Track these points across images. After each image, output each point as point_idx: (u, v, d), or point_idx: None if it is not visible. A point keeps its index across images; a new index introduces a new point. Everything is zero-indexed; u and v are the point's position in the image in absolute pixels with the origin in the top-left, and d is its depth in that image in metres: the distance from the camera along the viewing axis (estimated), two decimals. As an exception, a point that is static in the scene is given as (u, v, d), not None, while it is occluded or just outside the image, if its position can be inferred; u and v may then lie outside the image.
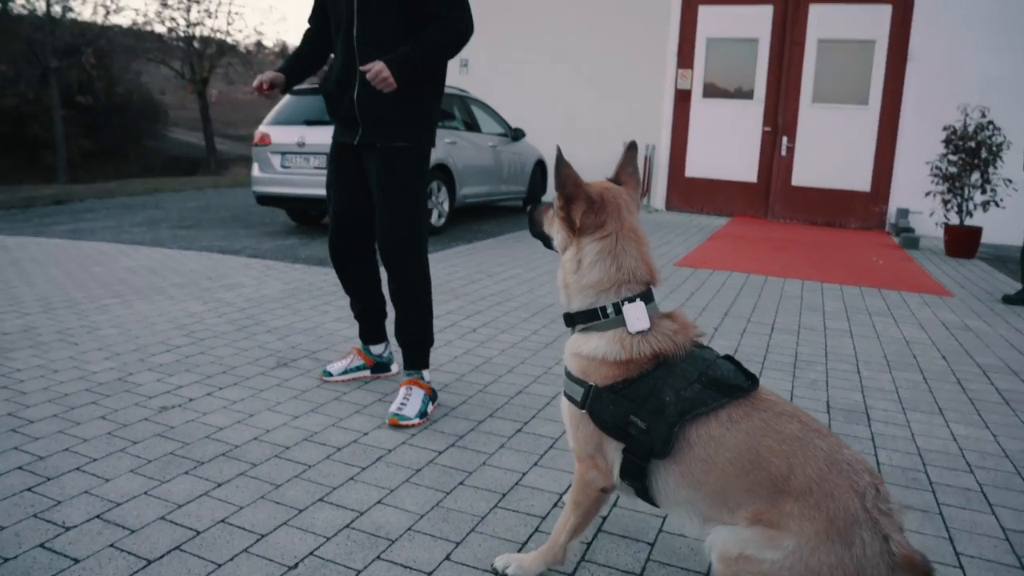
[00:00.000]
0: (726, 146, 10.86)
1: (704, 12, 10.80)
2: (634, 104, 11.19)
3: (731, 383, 1.54)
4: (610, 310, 1.63)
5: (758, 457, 1.45)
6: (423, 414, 2.76)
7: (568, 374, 1.71)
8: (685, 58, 10.97)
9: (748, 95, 10.74)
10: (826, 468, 1.41)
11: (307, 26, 3.07)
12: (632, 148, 1.83)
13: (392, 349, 3.37)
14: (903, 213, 9.72)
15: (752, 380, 1.56)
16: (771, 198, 10.69)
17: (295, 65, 3.04)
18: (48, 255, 6.06)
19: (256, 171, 7.64)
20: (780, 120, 10.49)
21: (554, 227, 1.76)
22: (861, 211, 10.28)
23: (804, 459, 1.42)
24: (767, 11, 10.44)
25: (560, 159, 1.64)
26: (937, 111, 9.14)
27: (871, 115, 10.05)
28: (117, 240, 6.98)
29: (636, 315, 1.61)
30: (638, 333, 1.60)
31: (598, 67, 11.35)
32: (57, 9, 19.41)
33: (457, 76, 11.61)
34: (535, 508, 2.14)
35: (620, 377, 1.60)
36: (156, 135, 29.28)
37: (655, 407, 1.54)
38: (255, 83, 2.95)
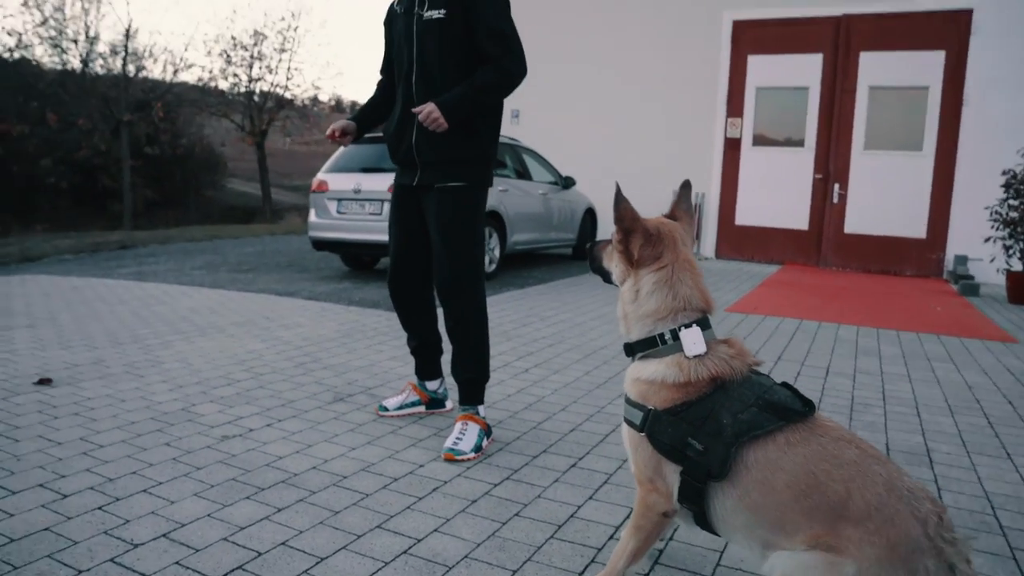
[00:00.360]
0: (777, 194, 10.80)
1: (753, 62, 10.87)
2: (684, 152, 11.24)
3: (788, 407, 1.55)
4: (668, 336, 1.68)
5: (816, 481, 1.45)
6: (478, 448, 2.78)
7: (628, 399, 1.74)
8: (735, 107, 11.02)
9: (799, 143, 10.70)
10: (885, 494, 1.39)
11: (379, 77, 3.19)
12: (686, 186, 1.92)
13: (447, 386, 3.41)
14: (961, 260, 9.50)
15: (809, 405, 1.57)
16: (823, 246, 10.56)
17: (367, 114, 3.16)
18: (115, 294, 6.30)
19: (313, 216, 7.86)
20: (831, 167, 10.42)
21: (613, 261, 1.83)
22: (917, 258, 10.07)
23: (863, 484, 1.41)
24: (817, 60, 10.47)
25: (619, 195, 1.72)
26: (995, 156, 8.98)
27: (926, 161, 9.92)
28: (178, 282, 7.23)
29: (693, 339, 1.65)
30: (695, 357, 1.63)
31: (647, 116, 11.46)
32: (131, 68, 20.54)
33: (508, 125, 11.85)
34: (591, 540, 2.13)
35: (679, 400, 1.62)
36: (215, 185, 30.39)
37: (713, 429, 1.56)
38: (328, 131, 3.06)
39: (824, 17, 10.38)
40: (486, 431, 2.88)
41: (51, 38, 20.29)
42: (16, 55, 19.32)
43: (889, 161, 10.13)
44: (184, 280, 7.39)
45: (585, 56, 11.77)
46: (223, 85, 25.87)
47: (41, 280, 7.29)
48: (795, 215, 10.72)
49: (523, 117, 12.12)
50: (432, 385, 3.29)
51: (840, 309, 6.65)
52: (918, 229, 10.02)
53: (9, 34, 18.88)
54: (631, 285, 1.75)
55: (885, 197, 10.13)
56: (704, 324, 1.68)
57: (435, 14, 2.78)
